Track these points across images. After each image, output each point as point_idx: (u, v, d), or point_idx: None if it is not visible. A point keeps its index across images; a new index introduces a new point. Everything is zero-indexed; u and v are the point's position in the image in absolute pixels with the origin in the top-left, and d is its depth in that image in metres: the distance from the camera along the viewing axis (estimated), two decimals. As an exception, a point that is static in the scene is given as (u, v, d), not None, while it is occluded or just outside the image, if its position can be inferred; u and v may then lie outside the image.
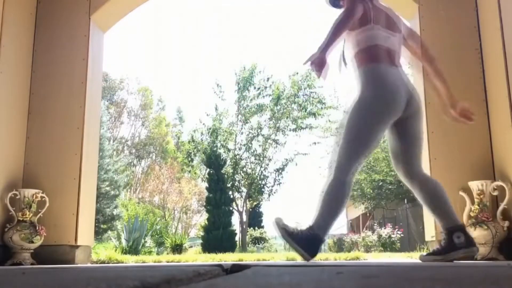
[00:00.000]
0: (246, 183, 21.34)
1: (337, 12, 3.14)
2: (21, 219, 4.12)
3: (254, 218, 25.26)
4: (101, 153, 16.31)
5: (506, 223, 3.81)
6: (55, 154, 4.49)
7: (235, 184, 21.07)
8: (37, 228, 4.14)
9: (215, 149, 20.25)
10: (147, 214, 20.10)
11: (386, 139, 3.15)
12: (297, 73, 21.56)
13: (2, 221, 4.14)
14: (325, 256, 6.10)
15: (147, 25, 60.52)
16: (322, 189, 2.94)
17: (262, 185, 21.63)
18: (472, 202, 4.00)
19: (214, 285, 1.19)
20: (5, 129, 4.25)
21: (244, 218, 21.12)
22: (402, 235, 14.90)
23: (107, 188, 17.44)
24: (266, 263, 4.09)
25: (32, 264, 4.10)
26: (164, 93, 59.70)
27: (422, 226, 11.45)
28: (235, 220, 19.12)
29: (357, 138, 2.89)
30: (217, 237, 15.48)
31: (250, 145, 21.45)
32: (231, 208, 17.75)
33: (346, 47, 3.12)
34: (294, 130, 21.40)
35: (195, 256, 7.12)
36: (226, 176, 19.23)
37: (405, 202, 18.95)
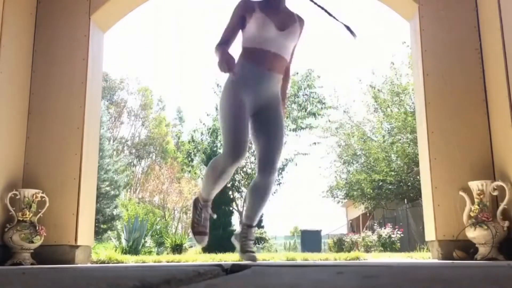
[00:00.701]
0: (246, 183, 21.33)
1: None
2: (21, 219, 4.12)
3: (254, 218, 25.24)
4: (101, 153, 16.31)
5: (506, 223, 3.81)
6: (55, 154, 4.48)
7: (235, 184, 21.07)
8: (37, 228, 4.13)
9: (215, 149, 20.25)
10: (147, 214, 20.11)
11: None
12: (297, 73, 21.56)
13: (2, 221, 4.14)
14: (325, 256, 6.11)
15: (147, 25, 60.51)
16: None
17: (262, 185, 21.61)
18: (472, 202, 4.00)
19: (214, 285, 1.19)
20: (5, 129, 4.25)
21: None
22: (402, 235, 14.90)
23: (107, 188, 17.44)
24: (266, 263, 4.09)
25: (32, 264, 4.10)
26: (164, 93, 59.72)
27: (422, 226, 11.45)
28: (235, 220, 19.12)
29: None
30: (217, 237, 15.47)
31: (250, 145, 21.43)
32: (231, 208, 17.75)
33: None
34: (294, 130, 21.39)
35: (195, 256, 7.12)
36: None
37: (405, 202, 18.95)
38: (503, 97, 3.96)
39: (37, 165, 4.45)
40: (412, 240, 15.83)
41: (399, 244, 14.38)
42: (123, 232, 11.60)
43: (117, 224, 17.06)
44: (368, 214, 24.09)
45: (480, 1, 4.45)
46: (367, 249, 13.85)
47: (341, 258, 5.81)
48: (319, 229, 18.84)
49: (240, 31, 3.11)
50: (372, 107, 20.17)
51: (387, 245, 13.99)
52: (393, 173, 18.38)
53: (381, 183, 18.96)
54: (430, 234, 4.32)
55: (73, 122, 4.52)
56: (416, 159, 15.52)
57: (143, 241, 11.51)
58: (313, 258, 5.72)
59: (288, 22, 3.07)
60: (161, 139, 35.24)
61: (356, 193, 20.79)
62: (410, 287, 1.03)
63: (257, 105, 3.03)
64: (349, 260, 5.59)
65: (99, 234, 15.85)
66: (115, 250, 8.37)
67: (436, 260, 4.21)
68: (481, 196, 3.94)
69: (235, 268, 1.90)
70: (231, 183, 20.40)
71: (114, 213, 17.40)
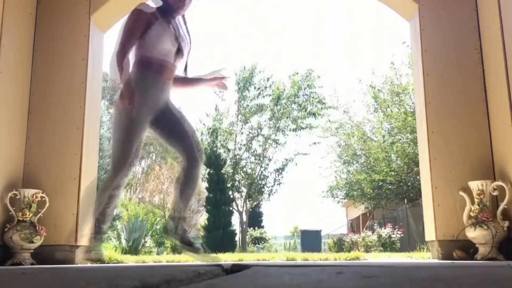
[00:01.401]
0: (246, 183, 21.34)
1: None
2: (21, 219, 4.12)
3: (254, 218, 25.27)
4: (101, 153, 16.30)
5: (506, 223, 3.81)
6: (55, 154, 4.48)
7: (235, 184, 21.07)
8: (37, 228, 4.13)
9: (215, 149, 20.25)
10: (147, 214, 20.08)
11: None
12: (297, 73, 21.58)
13: (2, 221, 4.14)
14: (325, 256, 6.11)
15: (147, 25, 60.37)
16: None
17: (262, 185, 21.64)
18: (472, 202, 4.00)
19: (214, 285, 1.19)
20: (5, 129, 4.25)
21: (244, 218, 21.12)
22: (402, 235, 14.90)
23: (107, 188, 17.40)
24: (266, 263, 4.09)
25: (32, 264, 4.10)
26: (164, 93, 59.59)
27: (422, 226, 11.45)
28: (235, 220, 19.15)
29: None
30: (217, 237, 15.48)
31: (250, 145, 21.46)
32: (231, 208, 17.77)
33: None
34: (294, 130, 21.40)
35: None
36: (226, 176, 19.23)
37: (405, 202, 18.95)
38: (503, 97, 3.96)
39: (37, 165, 4.45)
40: (412, 240, 15.83)
41: (399, 244, 14.38)
42: (123, 232, 11.60)
43: (117, 224, 17.05)
44: (368, 214, 24.10)
45: (480, 1, 4.45)
46: (367, 249, 13.85)
47: (341, 258, 5.81)
48: (319, 229, 18.86)
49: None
50: (372, 107, 20.17)
51: (387, 245, 13.99)
52: (393, 173, 18.38)
53: (381, 183, 18.96)
54: (430, 234, 4.32)
55: (73, 122, 4.52)
56: (416, 159, 15.52)
57: (143, 241, 11.51)
58: (313, 258, 5.72)
59: (183, 33, 3.19)
60: (161, 139, 35.17)
61: (356, 193, 20.79)
62: (410, 287, 1.03)
63: (155, 114, 3.11)
64: (349, 260, 5.59)
65: (99, 234, 15.82)
66: (115, 250, 8.36)
67: (436, 260, 4.21)
68: (481, 196, 3.94)
69: (235, 268, 1.90)
70: (231, 183, 20.40)
71: (114, 213, 17.39)
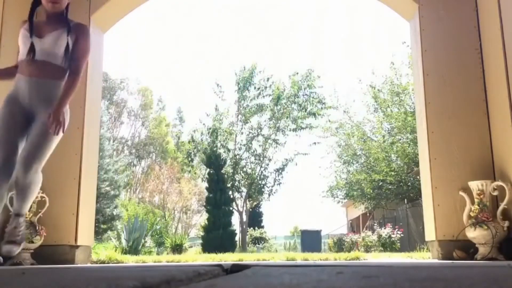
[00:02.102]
0: (246, 183, 21.34)
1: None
2: (21, 219, 4.12)
3: (254, 218, 25.27)
4: (101, 153, 16.31)
5: (506, 223, 3.81)
6: (55, 154, 4.47)
7: (235, 184, 21.07)
8: (37, 228, 4.13)
9: (215, 149, 20.26)
10: (147, 214, 20.10)
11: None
12: (297, 73, 21.58)
13: (2, 221, 4.14)
14: (325, 256, 6.11)
15: (147, 25, 60.51)
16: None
17: (262, 185, 21.64)
18: (472, 202, 4.00)
19: (214, 285, 1.19)
20: (5, 129, 4.24)
21: (244, 218, 21.12)
22: (402, 235, 14.90)
23: (107, 188, 17.43)
24: (266, 263, 4.09)
25: (32, 264, 4.10)
26: (164, 93, 59.73)
27: (422, 226, 11.45)
28: (235, 220, 19.14)
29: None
30: (217, 237, 15.47)
31: (250, 145, 21.46)
32: (231, 208, 17.76)
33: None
34: (294, 130, 21.41)
35: (195, 256, 7.13)
36: (226, 176, 19.23)
37: (405, 202, 18.95)
38: (503, 97, 3.96)
39: (37, 165, 4.44)
40: (412, 240, 15.83)
41: (399, 244, 14.38)
42: (123, 232, 11.60)
43: (117, 224, 17.05)
44: (368, 214, 24.11)
45: (480, 1, 4.45)
46: (367, 249, 13.85)
47: (341, 258, 5.81)
48: (319, 229, 18.85)
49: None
50: (372, 107, 20.18)
51: (387, 245, 13.99)
52: (393, 173, 18.38)
53: (381, 183, 18.97)
54: (430, 234, 4.32)
55: (73, 122, 4.50)
56: (416, 159, 15.52)
57: (143, 241, 11.51)
58: (313, 258, 5.72)
59: (50, 29, 3.13)
60: (161, 139, 35.23)
61: (356, 193, 20.80)
62: (410, 287, 1.03)
63: (31, 112, 3.09)
64: (349, 260, 5.59)
65: (99, 234, 15.83)
66: (115, 250, 8.36)
67: (436, 260, 4.21)
68: (481, 196, 3.94)
69: (235, 268, 1.90)
70: (231, 183, 20.40)
71: (114, 213, 17.38)
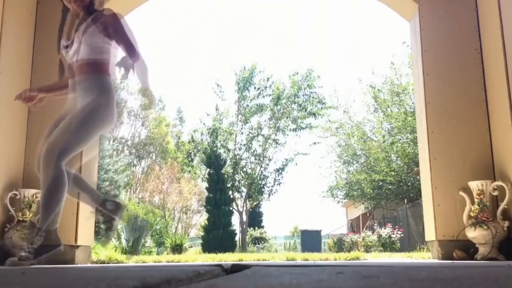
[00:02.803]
0: (246, 183, 21.33)
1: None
2: (21, 219, 4.12)
3: (254, 218, 25.27)
4: (101, 153, 16.30)
5: (506, 223, 3.81)
6: (55, 154, 4.47)
7: (235, 184, 21.07)
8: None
9: (215, 149, 20.25)
10: (147, 214, 20.08)
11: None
12: (297, 73, 21.58)
13: (2, 221, 4.14)
14: (325, 256, 6.11)
15: (147, 25, 60.49)
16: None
17: (262, 185, 21.64)
18: (472, 202, 4.00)
19: (214, 285, 1.19)
20: (5, 129, 4.25)
21: (244, 218, 21.12)
22: (402, 235, 14.90)
23: (107, 188, 17.42)
24: (266, 263, 4.09)
25: (32, 264, 4.10)
26: (164, 93, 59.69)
27: (422, 226, 11.45)
28: (235, 220, 19.13)
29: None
30: (217, 237, 15.47)
31: (250, 145, 21.46)
32: (231, 208, 17.76)
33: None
34: (294, 130, 21.40)
35: (195, 256, 7.13)
36: (226, 176, 19.23)
37: (405, 202, 18.95)
38: (503, 97, 3.96)
39: (37, 165, 4.44)
40: (412, 240, 15.83)
41: (399, 244, 14.38)
42: (123, 232, 11.60)
43: (117, 224, 17.04)
44: (368, 214, 24.10)
45: (480, 1, 4.45)
46: (367, 249, 13.85)
47: (341, 258, 5.81)
48: (319, 229, 18.85)
49: None
50: (372, 107, 20.18)
51: (387, 245, 13.99)
52: (393, 173, 18.38)
53: (381, 183, 18.97)
54: (430, 234, 4.31)
55: (73, 122, 4.51)
56: (416, 159, 15.52)
57: (143, 241, 11.51)
58: (313, 258, 5.72)
59: (79, 27, 3.17)
60: (161, 139, 35.20)
61: (356, 193, 20.80)
62: (410, 287, 1.03)
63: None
64: (349, 260, 5.59)
65: (99, 234, 15.84)
66: (115, 250, 8.36)
67: (436, 260, 4.21)
68: (481, 196, 3.94)
69: (235, 268, 1.90)
70: (231, 183, 20.40)
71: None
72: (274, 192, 21.87)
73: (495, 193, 3.95)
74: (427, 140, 4.33)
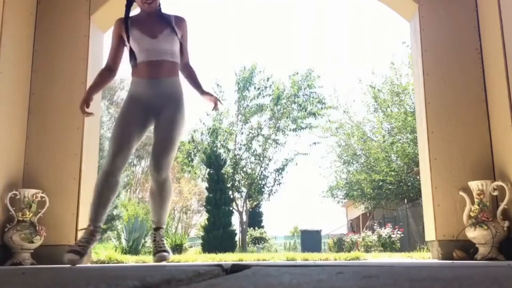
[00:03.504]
0: (246, 183, 21.33)
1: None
2: (21, 219, 4.12)
3: (254, 218, 25.26)
4: (101, 153, 16.28)
5: (506, 223, 3.81)
6: (55, 154, 4.48)
7: (235, 184, 21.06)
8: (37, 228, 4.13)
9: (215, 149, 20.25)
10: (147, 214, 20.08)
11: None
12: (297, 73, 21.58)
13: (2, 221, 4.14)
14: (325, 256, 6.11)
15: (147, 25, 60.33)
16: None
17: (262, 185, 21.63)
18: (472, 202, 4.00)
19: (214, 285, 1.19)
20: (5, 129, 4.25)
21: (244, 218, 21.12)
22: (402, 235, 14.90)
23: (107, 188, 17.38)
24: (266, 263, 4.09)
25: (32, 264, 4.10)
26: (164, 93, 59.59)
27: (422, 226, 11.45)
28: (235, 220, 19.12)
29: None
30: (217, 237, 15.47)
31: (250, 145, 21.45)
32: (231, 208, 17.75)
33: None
34: (294, 130, 21.40)
35: (195, 256, 7.12)
36: (226, 176, 19.23)
37: (405, 202, 18.96)
38: (503, 97, 3.96)
39: (37, 165, 4.45)
40: (412, 240, 15.84)
41: (399, 244, 14.38)
42: (123, 232, 11.60)
43: (117, 224, 17.04)
44: (368, 214, 24.11)
45: (480, 1, 4.45)
46: (367, 249, 13.85)
47: (341, 258, 5.81)
48: (319, 229, 18.84)
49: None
50: (372, 107, 20.19)
51: (387, 245, 13.99)
52: (393, 173, 18.38)
53: (381, 183, 18.97)
54: (430, 234, 4.32)
55: (73, 122, 4.52)
56: (416, 159, 15.52)
57: (143, 241, 11.51)
58: (313, 258, 5.72)
59: (160, 28, 3.19)
60: (161, 139, 35.15)
61: (356, 193, 20.80)
62: (410, 287, 1.03)
63: (154, 112, 3.15)
64: (349, 260, 5.59)
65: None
66: (115, 250, 8.36)
67: (436, 260, 4.21)
68: (481, 196, 3.94)
69: (235, 268, 1.90)
70: (231, 183, 20.40)
71: (114, 213, 17.37)
72: (274, 192, 21.87)
73: (495, 193, 3.95)
74: (427, 140, 4.33)
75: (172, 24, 3.23)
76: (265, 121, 21.54)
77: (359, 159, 20.73)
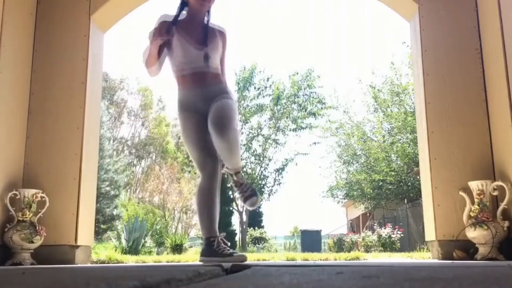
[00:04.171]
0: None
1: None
2: (21, 219, 4.12)
3: (254, 218, 25.27)
4: (101, 153, 16.30)
5: (506, 223, 3.81)
6: (55, 154, 4.48)
7: (235, 184, 21.05)
8: (37, 228, 4.13)
9: (215, 149, 20.21)
10: (147, 214, 20.10)
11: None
12: (297, 73, 21.59)
13: (2, 221, 4.14)
14: (325, 256, 6.11)
15: (147, 25, 60.39)
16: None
17: (262, 185, 21.64)
18: (472, 202, 4.00)
19: (214, 285, 1.19)
20: (5, 129, 4.25)
21: (244, 218, 21.11)
22: (402, 235, 14.91)
23: (107, 188, 17.43)
24: (266, 263, 4.09)
25: (32, 264, 4.10)
26: (164, 93, 59.67)
27: (422, 226, 11.45)
28: (235, 220, 19.14)
29: None
30: (217, 237, 15.45)
31: (250, 145, 21.46)
32: (231, 208, 17.75)
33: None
34: (294, 130, 21.42)
35: (195, 256, 7.12)
36: (226, 176, 19.20)
37: (405, 202, 18.96)
38: (503, 97, 3.96)
39: (37, 165, 4.45)
40: (412, 240, 15.84)
41: (399, 244, 14.39)
42: (123, 232, 11.60)
43: (117, 224, 17.05)
44: (368, 214, 24.11)
45: (480, 1, 4.45)
46: (367, 249, 13.86)
47: (341, 258, 5.81)
48: (319, 229, 18.85)
49: (168, 54, 3.33)
50: (372, 107, 20.20)
51: (387, 245, 14.00)
52: (393, 173, 18.39)
53: (381, 183, 18.98)
54: (430, 234, 4.32)
55: (73, 122, 4.52)
56: (416, 159, 15.52)
57: (143, 241, 11.51)
58: (313, 258, 5.72)
59: (206, 38, 3.21)
60: (161, 139, 35.23)
61: (356, 193, 20.81)
62: (410, 287, 1.03)
63: (205, 119, 3.19)
64: (349, 260, 5.59)
65: (99, 234, 15.83)
66: (115, 250, 8.36)
67: (436, 260, 4.21)
68: (481, 196, 3.94)
69: (235, 268, 1.90)
70: (231, 183, 20.40)
71: (114, 213, 17.38)
72: (274, 192, 21.88)
73: (495, 193, 3.95)
74: (427, 140, 4.33)
75: (217, 36, 3.27)
76: (265, 121, 21.56)
77: (359, 159, 20.74)
